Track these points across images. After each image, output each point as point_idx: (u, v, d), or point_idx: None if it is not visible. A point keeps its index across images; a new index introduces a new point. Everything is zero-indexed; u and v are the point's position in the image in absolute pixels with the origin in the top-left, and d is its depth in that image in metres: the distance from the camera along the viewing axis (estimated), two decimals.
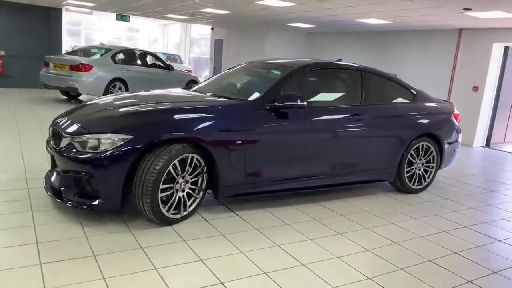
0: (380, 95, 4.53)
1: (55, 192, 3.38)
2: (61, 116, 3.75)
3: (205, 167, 3.43)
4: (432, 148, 4.75)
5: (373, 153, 4.30)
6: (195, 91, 4.39)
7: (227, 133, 3.46)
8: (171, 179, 3.22)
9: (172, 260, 2.78)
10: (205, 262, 2.81)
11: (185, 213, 3.40)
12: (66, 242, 2.90)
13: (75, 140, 3.20)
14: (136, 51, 11.24)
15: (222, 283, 2.56)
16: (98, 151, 3.09)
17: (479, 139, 8.92)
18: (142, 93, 4.26)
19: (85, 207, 3.19)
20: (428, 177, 4.84)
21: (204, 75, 18.72)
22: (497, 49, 8.50)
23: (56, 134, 3.46)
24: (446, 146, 4.85)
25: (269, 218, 3.67)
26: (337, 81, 4.42)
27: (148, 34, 25.90)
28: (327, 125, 4.01)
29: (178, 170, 3.25)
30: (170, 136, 3.18)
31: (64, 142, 3.26)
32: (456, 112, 5.12)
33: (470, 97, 8.76)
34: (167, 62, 11.73)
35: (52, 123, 3.67)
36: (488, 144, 8.99)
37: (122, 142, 3.07)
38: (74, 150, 3.18)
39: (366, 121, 4.18)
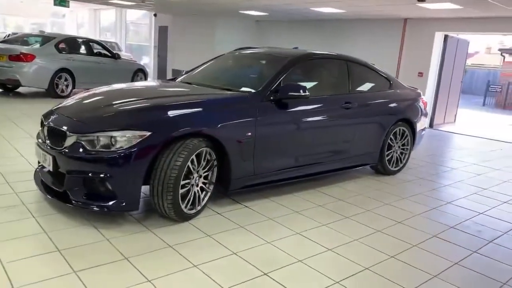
0: (363, 83, 4.76)
1: (58, 195, 3.17)
2: (52, 112, 3.49)
3: (215, 161, 3.41)
4: (407, 132, 5.11)
5: (362, 139, 4.54)
6: (186, 82, 4.28)
7: (238, 126, 3.46)
8: (186, 175, 3.16)
9: (207, 256, 2.76)
10: (239, 255, 2.82)
11: (199, 207, 3.37)
12: (90, 247, 2.75)
13: (83, 139, 3.01)
14: (80, 39, 10.55)
15: (265, 274, 2.61)
16: (113, 149, 2.94)
17: None
18: (134, 85, 4.08)
19: (97, 209, 3.03)
20: (404, 159, 5.20)
21: (142, 63, 18.00)
22: (439, 38, 9.21)
23: (54, 133, 3.21)
24: (417, 129, 5.24)
25: (277, 208, 3.74)
26: (328, 71, 4.56)
27: (76, 20, 24.29)
28: (326, 113, 4.16)
29: (194, 165, 3.20)
30: (189, 131, 3.11)
31: (69, 141, 3.05)
32: (423, 98, 5.53)
33: (416, 82, 9.35)
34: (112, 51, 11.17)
35: (45, 121, 3.39)
36: (431, 125, 9.77)
37: (140, 139, 2.95)
38: (82, 149, 2.99)
39: (356, 109, 4.39)
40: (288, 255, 2.88)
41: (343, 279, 2.62)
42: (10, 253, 2.58)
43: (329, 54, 4.60)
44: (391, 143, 4.95)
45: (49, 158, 3.17)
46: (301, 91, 3.70)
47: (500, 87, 18.60)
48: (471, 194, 4.63)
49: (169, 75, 13.92)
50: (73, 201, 3.04)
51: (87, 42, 10.50)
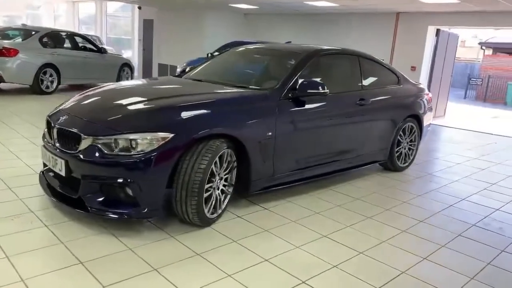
0: (374, 79, 4.67)
1: (70, 200, 2.97)
2: (60, 113, 3.25)
3: (235, 162, 3.27)
4: (415, 128, 5.07)
5: (375, 136, 4.47)
6: (196, 79, 4.09)
7: (260, 125, 3.32)
8: (208, 178, 3.00)
9: (239, 264, 2.62)
10: (271, 261, 2.70)
11: (220, 211, 3.22)
12: (113, 258, 2.58)
13: (99, 142, 2.81)
14: (64, 33, 10.14)
15: (304, 282, 2.49)
16: (133, 153, 2.75)
17: None
18: (144, 83, 3.88)
19: (116, 216, 2.84)
20: (412, 155, 5.17)
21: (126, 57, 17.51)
22: (431, 32, 9.24)
23: (66, 135, 3.00)
24: (424, 125, 5.21)
25: (296, 209, 3.63)
26: (342, 67, 4.44)
27: (53, 12, 23.46)
28: (342, 110, 4.06)
29: (217, 167, 3.05)
30: (213, 132, 2.96)
31: (85, 144, 2.85)
32: (428, 93, 5.50)
33: (408, 76, 9.40)
34: (99, 45, 10.79)
35: (53, 122, 3.16)
36: None
37: (163, 142, 2.77)
38: (98, 153, 2.79)
39: (370, 105, 4.30)
40: (321, 260, 2.77)
41: (384, 285, 2.53)
42: (28, 268, 2.38)
43: (342, 49, 4.49)
44: (400, 139, 4.90)
45: (61, 162, 2.96)
46: (320, 88, 3.58)
47: (480, 80, 18.95)
48: (482, 190, 4.62)
49: (155, 70, 13.59)
50: (90, 208, 2.85)
51: (72, 36, 10.12)
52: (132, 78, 11.55)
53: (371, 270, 2.71)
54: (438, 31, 9.38)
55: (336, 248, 2.97)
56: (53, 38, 9.38)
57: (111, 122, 2.91)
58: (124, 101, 3.21)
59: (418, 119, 5.08)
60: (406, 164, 5.12)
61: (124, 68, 11.23)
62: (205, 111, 3.06)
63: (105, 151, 2.79)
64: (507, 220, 3.79)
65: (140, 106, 3.10)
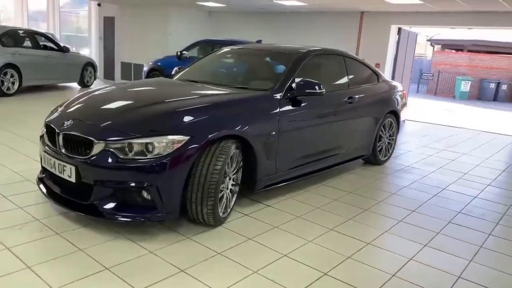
0: (358, 78, 4.89)
1: (83, 208, 2.92)
2: (64, 117, 3.16)
3: (241, 162, 3.35)
4: (394, 123, 5.36)
5: (361, 132, 4.69)
6: (191, 81, 4.11)
7: (264, 125, 3.42)
8: None
9: (261, 261, 2.72)
10: (290, 256, 2.81)
11: (229, 210, 3.29)
12: (138, 262, 2.59)
13: (113, 146, 2.79)
14: (23, 31, 9.67)
15: (325, 274, 2.63)
16: (150, 156, 2.76)
17: None
18: (142, 85, 3.85)
19: (130, 220, 2.84)
20: (391, 149, 5.46)
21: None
22: (394, 30, 9.69)
23: (74, 140, 2.94)
24: (400, 120, 5.52)
25: (296, 204, 3.77)
26: (330, 67, 4.62)
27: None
28: (334, 109, 4.24)
29: (228, 168, 3.11)
30: (225, 133, 3.02)
31: (97, 149, 2.81)
32: (403, 89, 5.82)
33: None
34: (61, 43, 10.37)
35: (56, 128, 3.07)
36: None
37: (179, 145, 2.80)
38: (112, 157, 2.77)
39: (357, 103, 4.51)
40: (335, 252, 2.92)
41: (398, 271, 2.72)
42: (56, 277, 2.35)
43: (329, 50, 4.65)
44: (381, 134, 5.16)
45: (70, 168, 2.90)
46: (317, 87, 3.72)
47: (431, 75, 20.01)
48: (458, 179, 4.98)
49: (118, 68, 13.24)
50: (105, 214, 2.83)
51: (32, 34, 9.66)
52: (95, 78, 11.24)
53: (382, 259, 2.89)
54: (399, 29, 9.84)
55: (345, 240, 3.14)
56: (12, 37, 8.95)
57: (124, 126, 2.89)
58: (130, 104, 3.20)
59: (396, 115, 5.37)
60: (386, 157, 5.41)
61: (88, 68, 10.90)
62: (216, 112, 3.12)
63: (120, 156, 2.78)
64: (486, 206, 4.13)
65: (149, 109, 3.09)
